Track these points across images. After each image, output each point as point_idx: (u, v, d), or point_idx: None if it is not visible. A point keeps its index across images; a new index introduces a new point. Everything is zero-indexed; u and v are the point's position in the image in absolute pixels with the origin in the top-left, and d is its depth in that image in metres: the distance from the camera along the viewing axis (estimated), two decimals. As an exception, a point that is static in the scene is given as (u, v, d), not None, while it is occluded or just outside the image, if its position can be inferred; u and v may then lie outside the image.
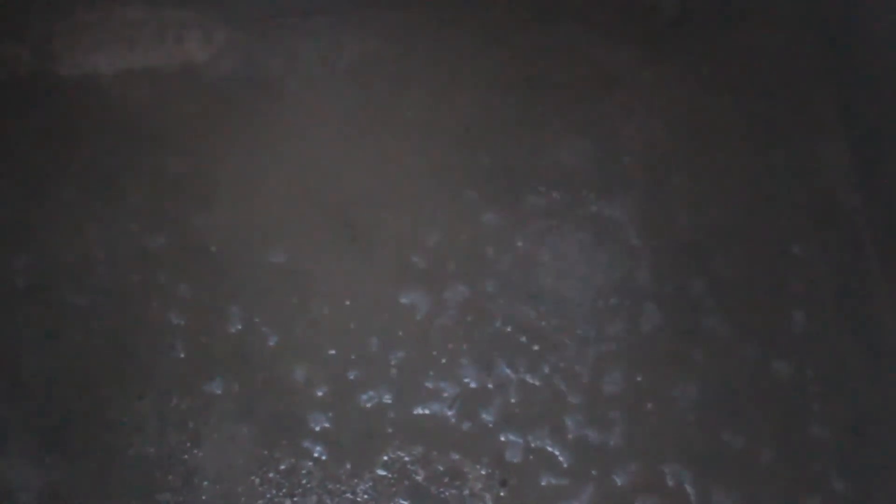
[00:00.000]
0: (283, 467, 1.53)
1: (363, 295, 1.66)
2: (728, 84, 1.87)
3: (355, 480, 1.53)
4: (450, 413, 1.58)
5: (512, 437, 1.56)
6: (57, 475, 1.53)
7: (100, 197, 1.74)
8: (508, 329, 1.64)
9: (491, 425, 1.57)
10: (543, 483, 1.53)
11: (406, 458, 1.54)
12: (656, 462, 1.54)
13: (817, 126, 1.83)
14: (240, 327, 1.63)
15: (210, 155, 1.78)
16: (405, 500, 1.52)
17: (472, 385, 1.60)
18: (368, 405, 1.58)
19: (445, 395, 1.59)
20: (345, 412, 1.57)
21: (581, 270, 1.69)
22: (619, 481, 1.53)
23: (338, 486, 1.52)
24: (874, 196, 1.73)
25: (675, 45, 1.90)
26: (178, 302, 1.65)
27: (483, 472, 1.53)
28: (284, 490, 1.52)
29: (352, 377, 1.60)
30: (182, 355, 1.61)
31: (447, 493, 1.52)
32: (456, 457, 1.54)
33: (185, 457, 1.54)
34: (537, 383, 1.60)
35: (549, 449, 1.55)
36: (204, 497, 1.51)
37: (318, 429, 1.56)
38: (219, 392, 1.58)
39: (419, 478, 1.53)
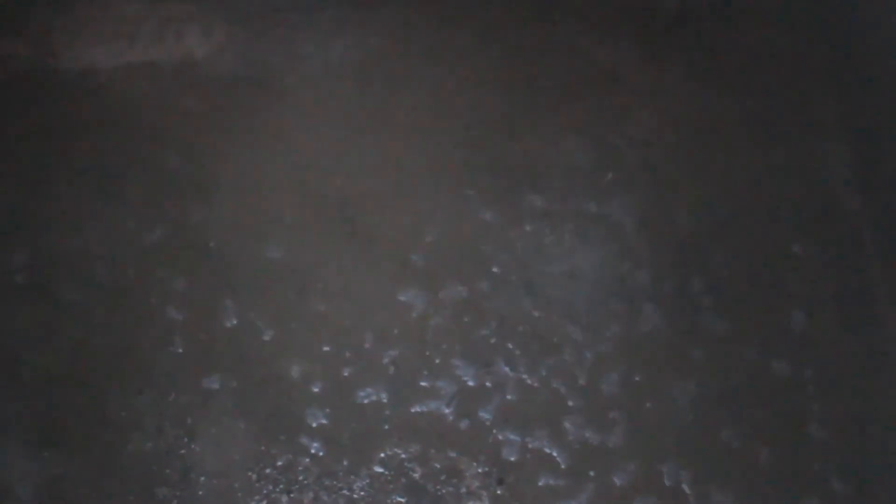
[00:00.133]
0: (280, 463, 1.53)
1: (362, 292, 1.66)
2: (728, 83, 1.87)
3: (352, 477, 1.53)
4: (447, 411, 1.57)
5: (509, 436, 1.55)
6: (55, 470, 1.53)
7: (98, 192, 1.74)
8: (507, 327, 1.64)
9: (488, 423, 1.56)
10: (540, 481, 1.53)
11: (403, 456, 1.54)
12: (655, 462, 1.54)
13: (818, 125, 1.83)
14: (238, 323, 1.63)
15: (209, 151, 1.78)
16: (402, 497, 1.51)
17: (470, 383, 1.59)
18: (366, 402, 1.58)
19: (443, 392, 1.59)
20: (342, 409, 1.57)
21: (580, 269, 1.69)
22: (616, 480, 1.53)
23: (335, 482, 1.52)
24: (874, 196, 1.73)
25: (675, 45, 1.90)
26: (176, 298, 1.65)
27: (480, 471, 1.53)
28: (281, 486, 1.52)
29: (349, 374, 1.60)
30: (180, 351, 1.61)
31: (444, 491, 1.52)
32: (453, 454, 1.54)
33: (183, 452, 1.54)
34: (535, 382, 1.60)
35: (547, 447, 1.55)
36: (201, 492, 1.51)
37: (315, 425, 1.56)
38: (216, 388, 1.58)
39: (416, 475, 1.53)
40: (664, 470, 1.53)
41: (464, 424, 1.56)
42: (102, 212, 1.72)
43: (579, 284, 1.68)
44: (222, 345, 1.61)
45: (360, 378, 1.59)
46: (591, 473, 1.53)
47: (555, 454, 1.54)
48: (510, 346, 1.62)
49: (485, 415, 1.57)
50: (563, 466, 1.54)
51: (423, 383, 1.59)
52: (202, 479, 1.52)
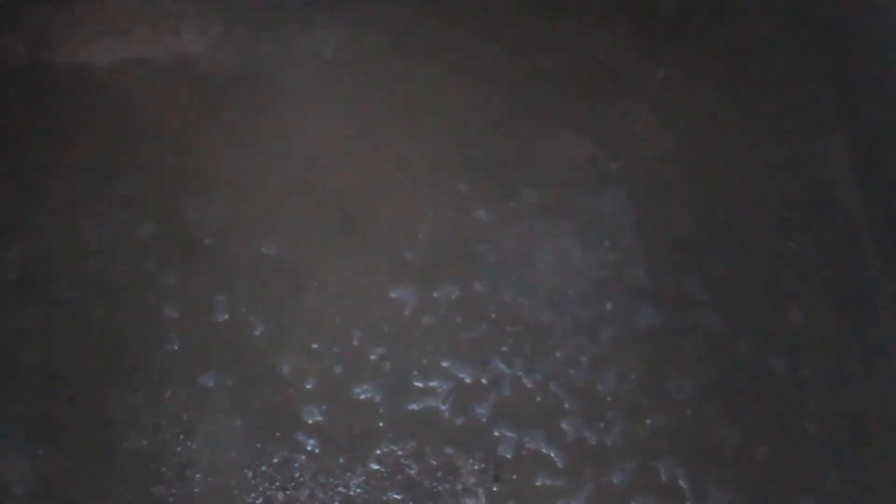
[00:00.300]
0: (276, 460, 1.53)
1: (357, 289, 1.66)
2: (726, 80, 1.86)
3: (348, 474, 1.53)
4: (443, 407, 1.57)
5: (505, 432, 1.55)
6: (51, 468, 1.53)
7: (94, 189, 1.73)
8: (503, 324, 1.64)
9: (484, 420, 1.56)
10: (536, 478, 1.53)
11: (399, 453, 1.54)
12: (651, 459, 1.54)
13: (815, 122, 1.82)
14: (234, 320, 1.63)
15: (205, 147, 1.78)
16: (398, 494, 1.51)
17: (466, 380, 1.59)
18: (362, 399, 1.58)
19: (439, 389, 1.59)
20: (338, 406, 1.57)
21: (576, 266, 1.69)
22: (613, 478, 1.53)
23: (330, 479, 1.52)
24: (872, 192, 1.73)
25: (673, 42, 1.90)
26: (172, 295, 1.65)
27: (476, 467, 1.53)
28: (277, 483, 1.52)
29: (345, 371, 1.60)
30: (176, 348, 1.60)
31: (440, 488, 1.52)
32: (449, 451, 1.54)
33: (179, 449, 1.54)
34: (531, 379, 1.60)
35: (543, 444, 1.55)
36: (197, 490, 1.51)
37: (310, 422, 1.56)
38: (212, 385, 1.58)
39: (412, 472, 1.53)
40: (661, 467, 1.53)
41: (460, 421, 1.56)
42: (98, 208, 1.72)
43: (575, 282, 1.67)
44: (218, 342, 1.61)
45: (355, 375, 1.59)
46: (588, 471, 1.53)
47: (551, 452, 1.54)
48: (506, 342, 1.62)
49: (481, 411, 1.57)
50: (559, 464, 1.54)
51: (418, 380, 1.59)
52: (198, 476, 1.52)
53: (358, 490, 1.52)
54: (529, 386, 1.59)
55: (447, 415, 1.57)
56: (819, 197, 1.76)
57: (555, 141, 1.79)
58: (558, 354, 1.61)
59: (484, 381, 1.59)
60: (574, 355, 1.61)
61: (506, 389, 1.59)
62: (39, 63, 1.85)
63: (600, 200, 1.74)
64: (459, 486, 1.52)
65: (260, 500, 1.51)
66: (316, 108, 1.82)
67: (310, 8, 1.91)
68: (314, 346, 1.61)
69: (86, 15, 1.89)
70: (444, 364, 1.60)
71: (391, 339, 1.62)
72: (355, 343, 1.62)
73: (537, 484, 1.52)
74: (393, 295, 1.66)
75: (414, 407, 1.57)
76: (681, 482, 1.52)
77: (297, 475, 1.53)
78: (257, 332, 1.62)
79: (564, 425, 1.56)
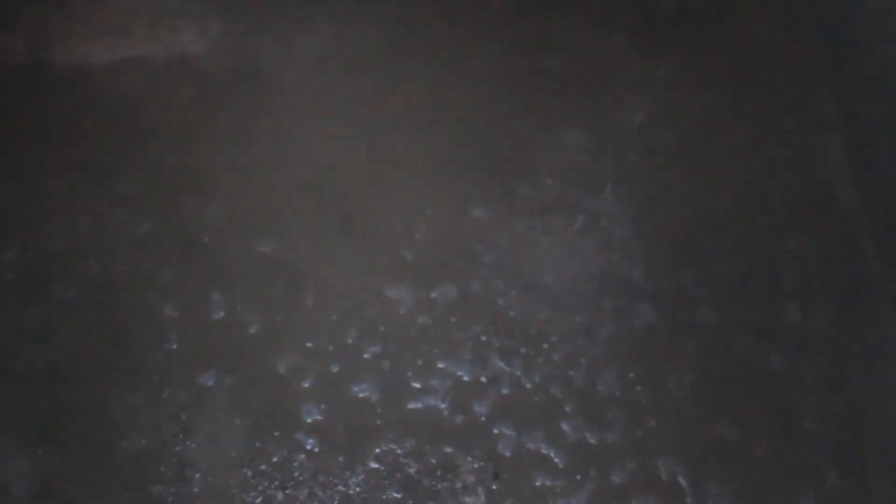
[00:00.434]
0: (275, 460, 1.53)
1: (356, 288, 1.66)
2: (725, 78, 1.86)
3: (348, 473, 1.53)
4: (442, 406, 1.57)
5: (505, 430, 1.55)
6: (50, 467, 1.53)
7: (92, 188, 1.73)
8: (502, 322, 1.64)
9: (483, 418, 1.56)
10: (536, 476, 1.53)
11: (398, 451, 1.54)
12: (651, 457, 1.54)
13: (814, 121, 1.82)
14: (233, 319, 1.63)
15: (204, 146, 1.78)
16: (398, 492, 1.51)
17: (465, 378, 1.59)
18: (361, 398, 1.58)
19: (438, 388, 1.58)
20: (337, 405, 1.57)
21: (574, 263, 1.69)
22: (612, 476, 1.53)
23: (330, 478, 1.52)
24: (871, 191, 1.73)
25: (672, 40, 1.90)
26: (170, 294, 1.65)
27: (475, 466, 1.53)
28: (277, 482, 1.52)
29: (344, 370, 1.59)
30: (175, 347, 1.60)
31: (440, 486, 1.52)
32: (448, 450, 1.54)
33: (178, 449, 1.54)
34: (530, 377, 1.60)
35: (542, 442, 1.55)
36: (196, 489, 1.51)
37: (310, 421, 1.55)
38: (211, 384, 1.58)
39: (412, 470, 1.53)
40: (660, 464, 1.53)
41: (459, 419, 1.56)
42: (95, 207, 1.72)
43: (573, 278, 1.67)
44: (217, 341, 1.61)
45: (354, 374, 1.59)
46: (587, 469, 1.53)
47: (550, 450, 1.54)
48: (505, 340, 1.62)
49: (480, 409, 1.57)
50: (557, 461, 1.54)
51: (417, 378, 1.59)
52: (197, 476, 1.52)
53: (357, 489, 1.52)
54: (528, 384, 1.59)
55: (446, 413, 1.57)
56: (818, 196, 1.76)
57: (554, 140, 1.79)
58: (557, 353, 1.61)
59: (483, 379, 1.59)
60: (573, 354, 1.61)
61: (505, 388, 1.59)
62: (38, 62, 1.84)
63: (599, 200, 1.74)
64: (459, 485, 1.52)
65: (259, 499, 1.51)
66: (315, 107, 1.82)
67: (309, 7, 1.91)
68: (313, 345, 1.61)
69: (85, 14, 1.89)
70: (443, 362, 1.60)
71: (389, 337, 1.62)
72: (354, 342, 1.62)
73: (536, 482, 1.52)
74: (391, 294, 1.66)
75: (413, 405, 1.57)
76: (681, 480, 1.52)
77: (296, 474, 1.52)
78: (256, 332, 1.62)
79: (564, 424, 1.56)
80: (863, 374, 1.61)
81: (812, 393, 1.59)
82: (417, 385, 1.59)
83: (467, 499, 1.51)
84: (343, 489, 1.52)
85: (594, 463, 1.53)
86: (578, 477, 1.52)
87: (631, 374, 1.60)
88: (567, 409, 1.57)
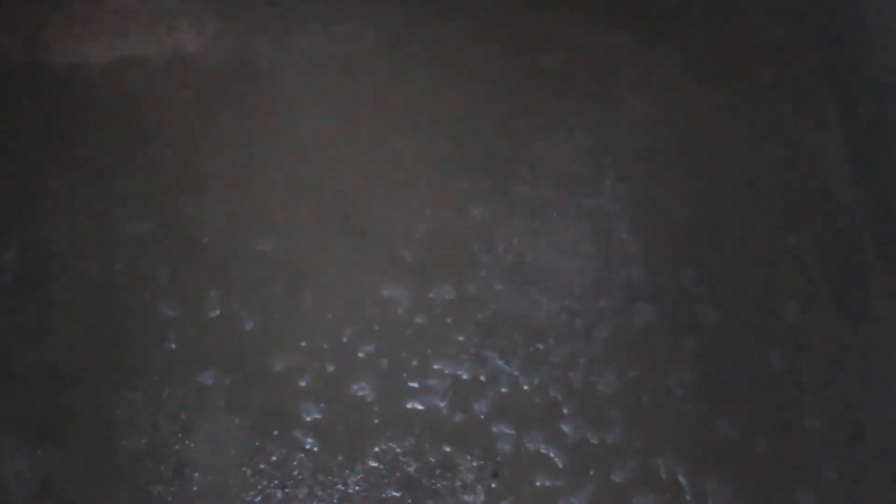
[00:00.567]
0: (274, 458, 1.53)
1: (354, 287, 1.66)
2: (723, 76, 1.86)
3: (347, 472, 1.53)
4: (441, 405, 1.57)
5: (504, 429, 1.55)
6: (49, 467, 1.53)
7: (90, 188, 1.73)
8: (501, 321, 1.63)
9: (483, 417, 1.56)
10: (535, 475, 1.52)
11: (398, 450, 1.54)
12: (650, 455, 1.54)
13: (814, 118, 1.82)
14: (232, 319, 1.63)
15: (203, 146, 1.78)
16: (397, 491, 1.51)
17: (464, 377, 1.59)
18: (360, 396, 1.57)
19: (437, 386, 1.58)
20: (336, 403, 1.57)
21: (574, 263, 1.69)
22: (612, 474, 1.53)
23: (329, 477, 1.52)
24: (870, 189, 1.73)
25: (670, 37, 1.90)
26: (169, 293, 1.64)
27: (475, 464, 1.53)
28: (276, 481, 1.52)
29: (343, 369, 1.59)
30: (174, 346, 1.60)
31: (439, 485, 1.52)
32: (448, 448, 1.54)
33: (177, 448, 1.54)
34: (529, 376, 1.59)
35: (542, 441, 1.55)
36: (195, 488, 1.51)
37: (309, 420, 1.55)
38: (210, 383, 1.58)
39: (411, 469, 1.53)
40: (659, 462, 1.53)
41: (458, 418, 1.56)
42: (94, 207, 1.71)
43: (574, 279, 1.67)
44: (216, 340, 1.61)
45: (353, 373, 1.59)
46: (586, 468, 1.53)
47: (549, 449, 1.54)
48: (504, 339, 1.62)
49: (479, 408, 1.57)
50: (556, 460, 1.54)
51: (416, 377, 1.59)
52: (196, 475, 1.52)
53: (357, 488, 1.51)
54: (527, 383, 1.59)
55: (445, 412, 1.57)
56: (818, 195, 1.75)
57: (552, 137, 1.79)
58: (556, 351, 1.61)
59: (482, 378, 1.59)
60: (572, 352, 1.61)
61: (503, 386, 1.59)
62: (36, 62, 1.84)
63: (598, 198, 1.74)
64: (458, 483, 1.52)
65: (259, 498, 1.51)
66: (313, 107, 1.82)
67: (307, 6, 1.91)
68: (312, 344, 1.61)
69: (82, 14, 1.89)
70: (442, 361, 1.60)
71: (388, 336, 1.62)
72: (353, 341, 1.61)
73: (536, 481, 1.52)
74: (390, 293, 1.65)
75: (412, 404, 1.57)
76: (680, 479, 1.52)
77: (295, 473, 1.52)
78: (255, 331, 1.62)
79: (563, 422, 1.56)
80: (862, 372, 1.61)
81: (811, 390, 1.59)
82: (416, 383, 1.59)
83: (467, 497, 1.51)
84: (342, 488, 1.52)
85: (593, 462, 1.53)
86: (578, 476, 1.52)
87: (631, 373, 1.60)
88: (566, 407, 1.57)
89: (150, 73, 1.83)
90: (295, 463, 1.53)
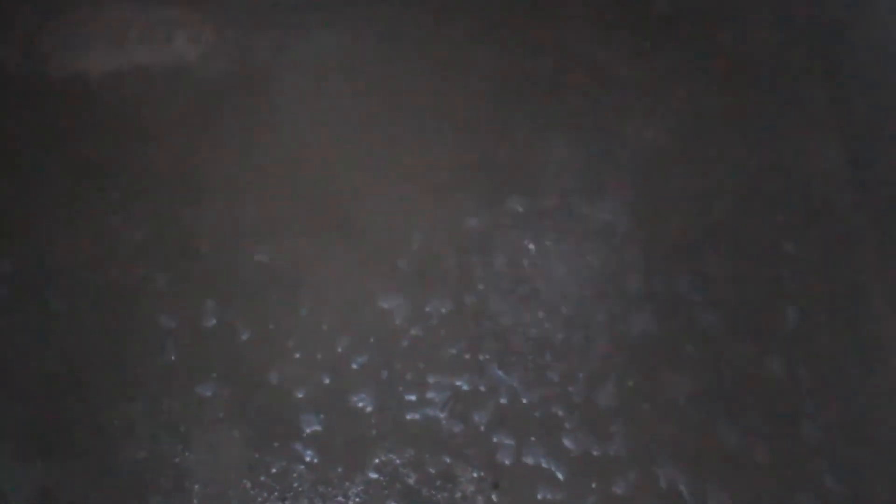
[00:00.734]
0: (274, 470, 1.53)
1: (354, 296, 1.65)
2: (721, 81, 1.86)
3: (347, 483, 1.52)
4: (441, 416, 1.57)
5: (504, 440, 1.55)
6: (48, 478, 1.52)
7: (89, 197, 1.73)
8: (501, 331, 1.63)
9: (482, 428, 1.56)
10: (535, 485, 1.52)
11: (398, 461, 1.54)
12: (649, 463, 1.54)
13: (810, 123, 1.82)
14: (230, 330, 1.62)
15: (201, 153, 1.77)
16: (397, 502, 1.51)
17: (464, 388, 1.59)
18: (360, 408, 1.57)
19: (437, 398, 1.58)
20: (336, 415, 1.56)
21: (571, 270, 1.68)
22: (612, 483, 1.52)
23: (329, 489, 1.52)
24: (868, 193, 1.72)
25: (667, 43, 1.89)
26: (168, 304, 1.64)
27: (475, 475, 1.53)
28: (276, 493, 1.51)
29: (343, 380, 1.59)
30: (173, 358, 1.60)
31: (439, 496, 1.51)
32: (447, 460, 1.54)
33: (177, 460, 1.54)
34: (528, 386, 1.59)
35: (542, 452, 1.55)
36: (195, 501, 1.51)
37: (309, 431, 1.55)
38: (209, 395, 1.58)
39: (411, 481, 1.53)
40: (659, 471, 1.53)
41: (458, 429, 1.56)
42: (93, 217, 1.71)
43: (571, 283, 1.67)
44: (215, 352, 1.61)
45: (353, 384, 1.59)
46: (586, 478, 1.53)
47: (549, 460, 1.54)
48: (504, 349, 1.62)
49: (479, 419, 1.57)
50: (556, 470, 1.53)
51: (416, 388, 1.59)
52: (196, 487, 1.52)
53: (357, 499, 1.51)
54: (527, 392, 1.59)
55: (445, 423, 1.56)
56: (814, 197, 1.75)
57: (550, 143, 1.79)
58: (556, 360, 1.61)
59: (482, 387, 1.59)
60: (571, 360, 1.61)
61: (503, 397, 1.59)
62: (33, 72, 1.84)
63: (596, 205, 1.74)
64: (458, 494, 1.52)
65: (259, 510, 1.51)
66: (310, 114, 1.82)
67: (304, 13, 1.91)
68: (311, 355, 1.61)
69: (79, 24, 1.88)
70: (441, 372, 1.60)
71: (387, 347, 1.62)
72: (352, 352, 1.61)
73: (537, 494, 1.52)
74: (388, 304, 1.65)
75: (411, 416, 1.57)
76: (681, 487, 1.52)
77: (295, 485, 1.52)
78: (256, 343, 1.62)
79: (563, 433, 1.56)
80: (862, 378, 1.61)
81: (810, 396, 1.59)
82: (416, 394, 1.58)
83: (467, 507, 1.51)
84: (342, 499, 1.51)
85: (592, 472, 1.53)
86: (578, 485, 1.52)
87: (630, 381, 1.59)
88: (566, 418, 1.57)
89: (147, 82, 1.83)
90: (295, 475, 1.53)
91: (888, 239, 1.67)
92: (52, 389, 1.59)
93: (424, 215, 1.73)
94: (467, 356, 1.61)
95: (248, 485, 1.52)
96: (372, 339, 1.62)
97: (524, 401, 1.58)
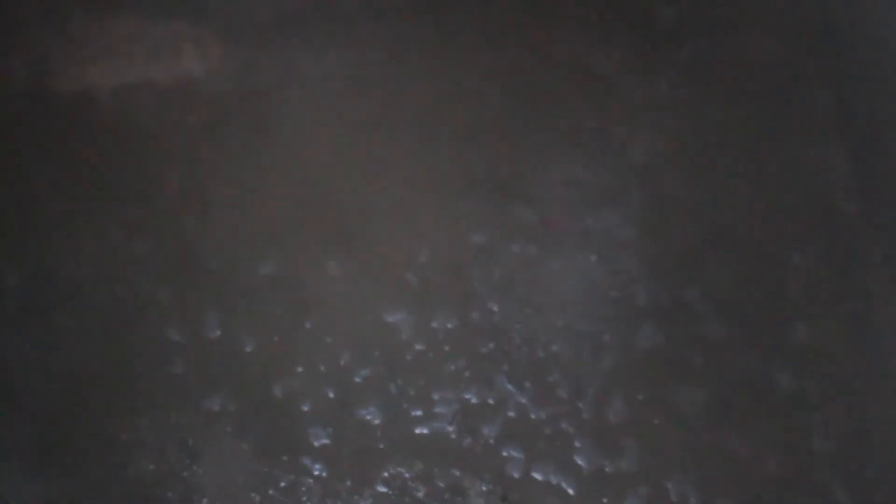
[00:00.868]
0: (283, 484, 1.52)
1: (362, 310, 1.65)
2: (726, 90, 1.86)
3: (356, 497, 1.52)
4: (450, 429, 1.57)
5: (513, 453, 1.55)
6: (54, 493, 1.52)
7: (96, 212, 1.73)
8: (509, 344, 1.63)
9: (492, 441, 1.56)
10: (544, 499, 1.52)
11: (406, 475, 1.53)
12: (660, 477, 1.53)
13: (816, 132, 1.82)
14: (238, 343, 1.62)
15: (207, 168, 1.77)
16: (406, 516, 1.51)
17: (473, 401, 1.59)
18: (368, 421, 1.57)
19: (445, 411, 1.58)
20: (345, 428, 1.56)
21: (578, 283, 1.68)
22: (622, 495, 1.52)
23: (338, 502, 1.51)
24: (874, 202, 1.72)
25: (672, 53, 1.90)
26: (175, 317, 1.64)
27: (484, 488, 1.52)
28: (285, 508, 1.51)
29: (351, 393, 1.59)
30: (179, 372, 1.60)
31: (448, 510, 1.51)
32: (456, 473, 1.53)
33: (185, 474, 1.53)
34: (536, 399, 1.59)
35: (551, 466, 1.54)
36: (203, 515, 1.51)
37: (317, 445, 1.55)
38: (217, 409, 1.57)
39: (420, 494, 1.52)
40: (668, 485, 1.53)
41: (467, 442, 1.56)
42: (100, 231, 1.71)
43: (578, 299, 1.67)
44: (223, 365, 1.60)
45: (362, 397, 1.59)
46: (597, 490, 1.52)
47: (559, 476, 1.54)
48: (511, 361, 1.62)
49: (488, 432, 1.56)
50: (566, 485, 1.53)
51: (425, 402, 1.59)
52: (204, 501, 1.51)
53: (366, 513, 1.51)
54: (535, 405, 1.58)
55: (454, 436, 1.56)
56: (820, 207, 1.75)
57: (555, 155, 1.79)
58: (564, 373, 1.61)
59: (491, 400, 1.59)
60: (579, 374, 1.61)
61: (512, 410, 1.58)
62: (40, 88, 1.84)
63: (601, 215, 1.74)
64: (468, 508, 1.51)
65: (267, 524, 1.50)
66: (316, 128, 1.82)
67: (308, 27, 1.92)
68: (319, 367, 1.61)
69: (85, 38, 1.89)
70: (449, 385, 1.60)
71: (394, 360, 1.61)
72: (360, 365, 1.61)
73: (545, 502, 1.52)
74: (395, 318, 1.65)
75: (420, 429, 1.57)
76: (692, 501, 1.52)
77: (304, 499, 1.52)
78: (264, 356, 1.61)
79: (571, 444, 1.56)
80: (869, 388, 1.60)
81: (819, 408, 1.58)
82: (425, 408, 1.58)
83: (476, 521, 1.51)
84: (351, 513, 1.51)
85: (603, 484, 1.53)
86: (588, 498, 1.51)
87: (639, 395, 1.59)
88: (575, 431, 1.57)
89: (155, 98, 1.83)
90: (303, 489, 1.52)
91: (895, 248, 1.67)
92: (58, 404, 1.58)
93: (431, 229, 1.73)
94: (475, 369, 1.61)
95: (258, 499, 1.52)
96: (380, 352, 1.62)
97: (533, 415, 1.58)
